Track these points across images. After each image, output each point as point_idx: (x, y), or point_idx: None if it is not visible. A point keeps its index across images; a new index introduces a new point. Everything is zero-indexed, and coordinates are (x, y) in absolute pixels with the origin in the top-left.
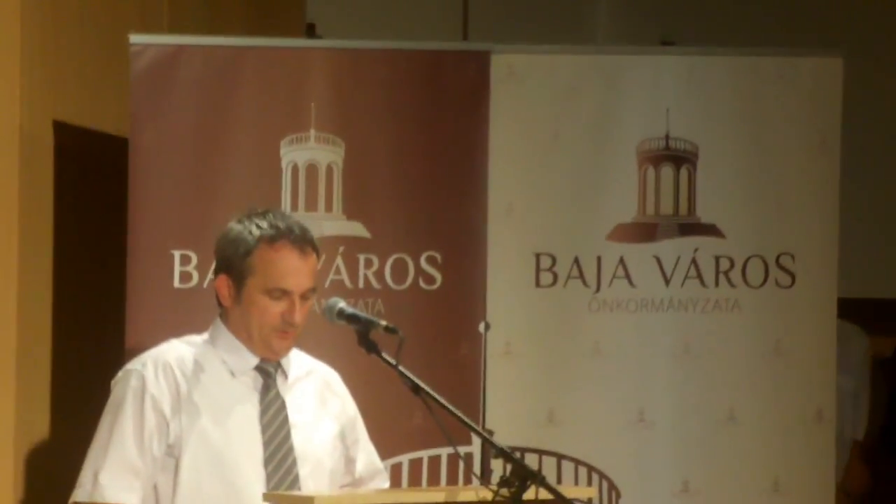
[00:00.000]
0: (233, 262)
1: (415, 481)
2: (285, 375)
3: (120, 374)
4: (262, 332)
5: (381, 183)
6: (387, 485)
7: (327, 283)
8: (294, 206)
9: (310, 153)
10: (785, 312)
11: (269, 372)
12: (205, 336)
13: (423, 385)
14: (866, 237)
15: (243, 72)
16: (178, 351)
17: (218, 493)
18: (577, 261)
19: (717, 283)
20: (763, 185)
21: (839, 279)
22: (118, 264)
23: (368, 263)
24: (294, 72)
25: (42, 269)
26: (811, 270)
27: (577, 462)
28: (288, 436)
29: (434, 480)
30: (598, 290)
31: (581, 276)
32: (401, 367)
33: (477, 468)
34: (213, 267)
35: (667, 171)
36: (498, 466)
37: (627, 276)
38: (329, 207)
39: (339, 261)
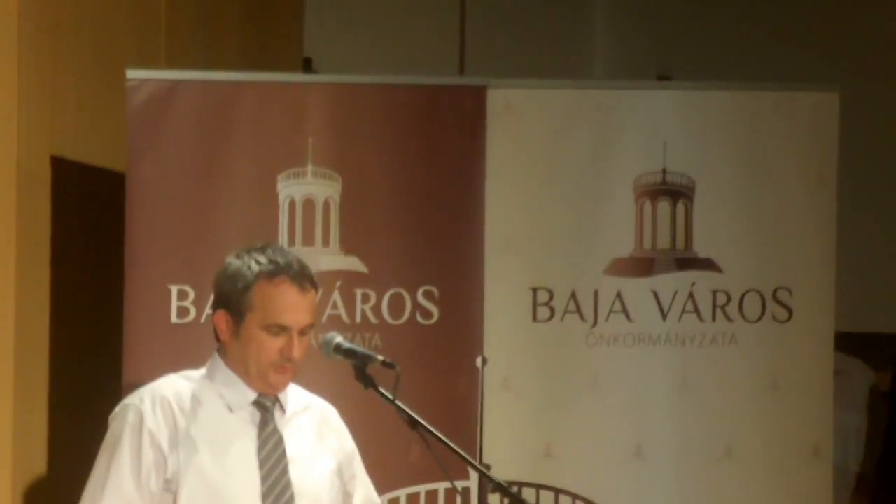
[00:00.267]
0: (231, 298)
1: None
2: (283, 410)
3: (118, 408)
4: (260, 368)
5: (378, 218)
6: None
7: (324, 318)
8: (291, 241)
9: (307, 188)
10: (782, 347)
11: (266, 406)
12: (202, 371)
13: (420, 420)
14: (864, 271)
15: (240, 107)
16: (175, 386)
17: None
18: (574, 295)
19: (714, 318)
20: (760, 219)
21: (837, 313)
22: (115, 299)
23: (366, 298)
24: (291, 107)
25: (40, 304)
26: (808, 305)
27: (575, 496)
28: (285, 470)
29: None
30: (595, 324)
31: (578, 310)
32: (398, 402)
33: (474, 503)
34: (210, 302)
35: (664, 205)
36: (495, 501)
37: (625, 311)
38: (326, 242)
39: (336, 295)
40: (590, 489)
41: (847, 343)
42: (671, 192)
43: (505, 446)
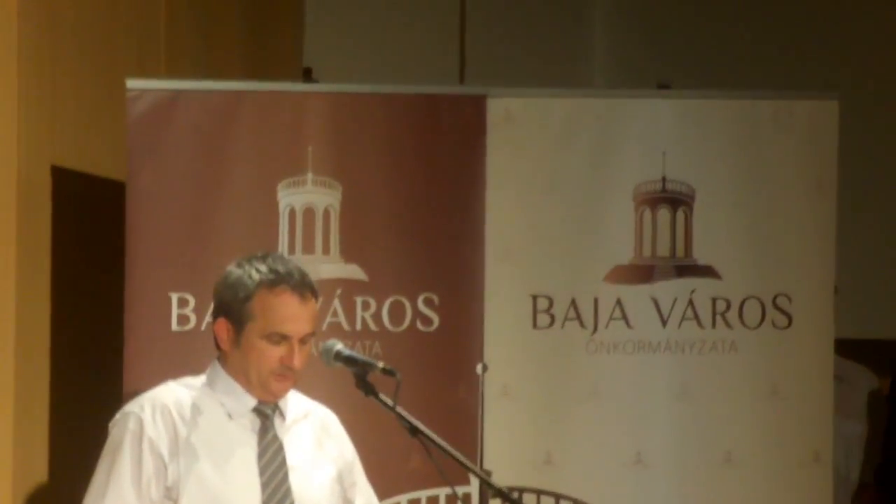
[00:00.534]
0: (232, 307)
1: None
2: (283, 417)
3: (118, 416)
4: (260, 376)
5: (378, 225)
6: None
7: (325, 326)
8: (291, 249)
9: (307, 196)
10: (782, 354)
11: (266, 414)
12: (202, 378)
13: (420, 426)
14: (864, 277)
15: (240, 116)
16: (175, 394)
17: None
18: (574, 302)
19: (713, 325)
20: (759, 226)
21: (838, 320)
22: (116, 308)
23: (366, 306)
24: (291, 115)
25: (39, 313)
26: (808, 312)
27: (575, 502)
28: (286, 478)
29: None
30: (595, 331)
31: (578, 317)
32: (399, 409)
33: None
34: (211, 310)
35: (663, 213)
36: None
37: (625, 318)
38: (326, 250)
39: (336, 303)
40: (590, 496)
41: (847, 349)
42: (671, 199)
43: (505, 453)
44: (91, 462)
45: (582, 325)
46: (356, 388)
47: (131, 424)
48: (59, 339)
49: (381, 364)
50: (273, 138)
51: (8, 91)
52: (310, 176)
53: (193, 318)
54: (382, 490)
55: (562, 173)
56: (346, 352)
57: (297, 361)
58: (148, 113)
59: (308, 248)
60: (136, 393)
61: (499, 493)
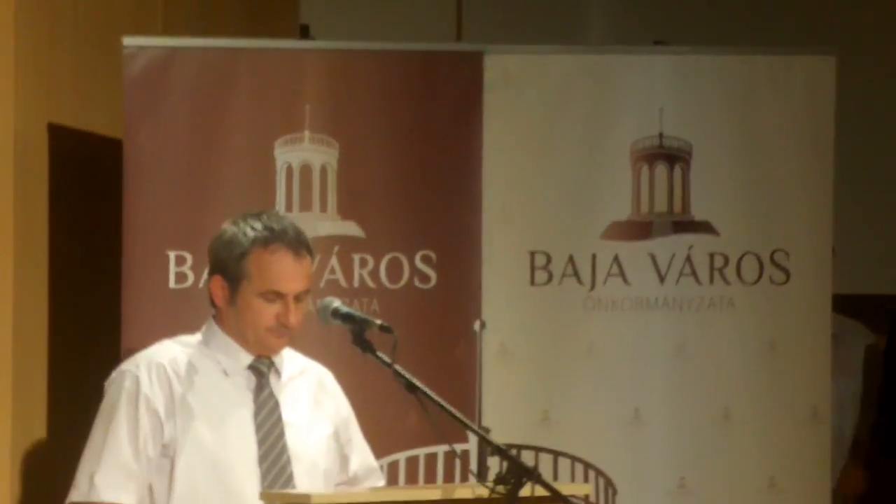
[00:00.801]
0: (227, 265)
1: (412, 479)
2: (278, 374)
3: (113, 374)
4: (257, 333)
5: (375, 183)
6: (381, 483)
7: (322, 284)
8: (289, 207)
9: (304, 154)
10: (779, 309)
11: (262, 371)
12: (198, 336)
13: (418, 384)
14: (861, 233)
15: (237, 74)
16: (171, 352)
17: (212, 493)
18: (571, 259)
19: (711, 281)
20: (757, 182)
21: (835, 276)
22: (113, 266)
23: (363, 263)
24: (288, 73)
25: (37, 271)
26: (805, 267)
27: (574, 459)
28: (282, 435)
29: (431, 478)
30: (592, 288)
31: (576, 274)
32: (396, 366)
33: (474, 466)
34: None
35: (661, 169)
36: (494, 464)
37: (622, 275)
38: (324, 208)
39: (334, 261)
40: (588, 453)
41: (844, 305)
42: (668, 156)
43: (503, 410)
44: (90, 419)
45: (580, 281)
46: (354, 345)
47: (127, 383)
48: (56, 298)
49: (378, 321)
50: (270, 96)
51: (5, 48)
52: (307, 133)
53: (191, 276)
54: (380, 448)
55: (559, 130)
56: (344, 309)
57: (293, 319)
58: (145, 71)
59: (305, 206)
60: (134, 350)
61: (497, 450)
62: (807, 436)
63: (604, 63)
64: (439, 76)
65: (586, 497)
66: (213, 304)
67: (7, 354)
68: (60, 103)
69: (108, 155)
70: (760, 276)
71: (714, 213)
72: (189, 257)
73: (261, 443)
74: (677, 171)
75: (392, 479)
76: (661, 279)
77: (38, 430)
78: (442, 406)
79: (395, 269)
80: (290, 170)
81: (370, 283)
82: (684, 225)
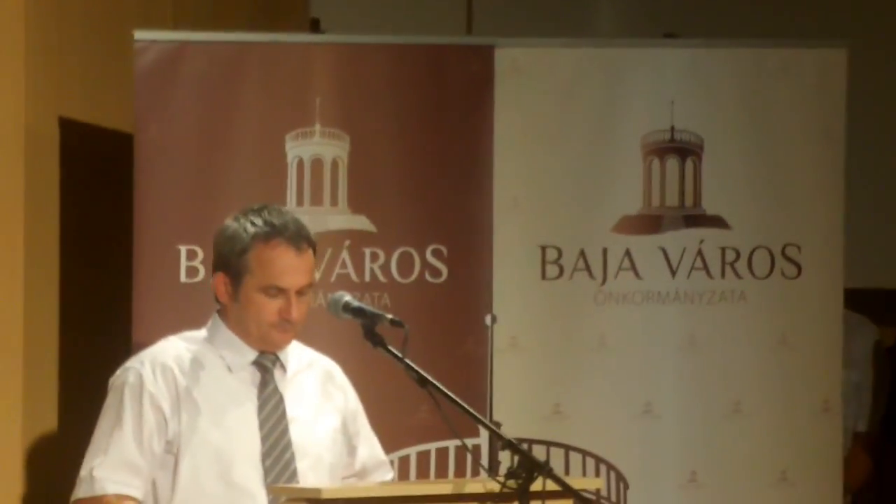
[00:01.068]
0: (229, 261)
1: (423, 474)
2: (284, 369)
3: (118, 372)
4: (260, 329)
5: (386, 177)
6: (390, 476)
7: (333, 278)
8: (300, 201)
9: (315, 148)
10: (791, 303)
11: (266, 367)
12: (203, 332)
13: (429, 378)
14: (873, 227)
15: (248, 67)
16: (176, 349)
17: (217, 489)
18: (582, 253)
19: (723, 275)
20: (768, 176)
21: (845, 270)
22: (124, 260)
23: (374, 257)
24: (299, 67)
25: (48, 266)
26: (817, 261)
27: (585, 453)
28: (286, 430)
29: (442, 473)
30: (604, 282)
31: (587, 268)
32: (407, 360)
33: (485, 460)
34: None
35: (672, 163)
36: (506, 458)
37: (633, 268)
38: (334, 202)
39: (345, 255)
40: (599, 447)
41: (855, 299)
42: (679, 149)
43: (514, 404)
44: (98, 412)
45: (591, 275)
46: (364, 339)
47: (131, 379)
48: (67, 292)
49: (389, 315)
50: (281, 89)
51: (16, 42)
52: (317, 127)
53: (202, 270)
54: (391, 442)
55: (570, 123)
56: (355, 303)
57: (296, 313)
58: (155, 64)
59: (316, 200)
60: (144, 345)
61: (508, 444)
62: (818, 429)
63: (615, 56)
64: (450, 70)
65: (598, 491)
66: (217, 299)
67: (18, 348)
68: (71, 97)
69: (119, 149)
70: (772, 269)
71: (725, 206)
72: (200, 251)
73: (265, 439)
74: (688, 164)
75: (403, 474)
76: (673, 273)
77: (49, 424)
78: (453, 400)
79: (406, 264)
80: (300, 163)
81: (381, 278)
82: (696, 219)
